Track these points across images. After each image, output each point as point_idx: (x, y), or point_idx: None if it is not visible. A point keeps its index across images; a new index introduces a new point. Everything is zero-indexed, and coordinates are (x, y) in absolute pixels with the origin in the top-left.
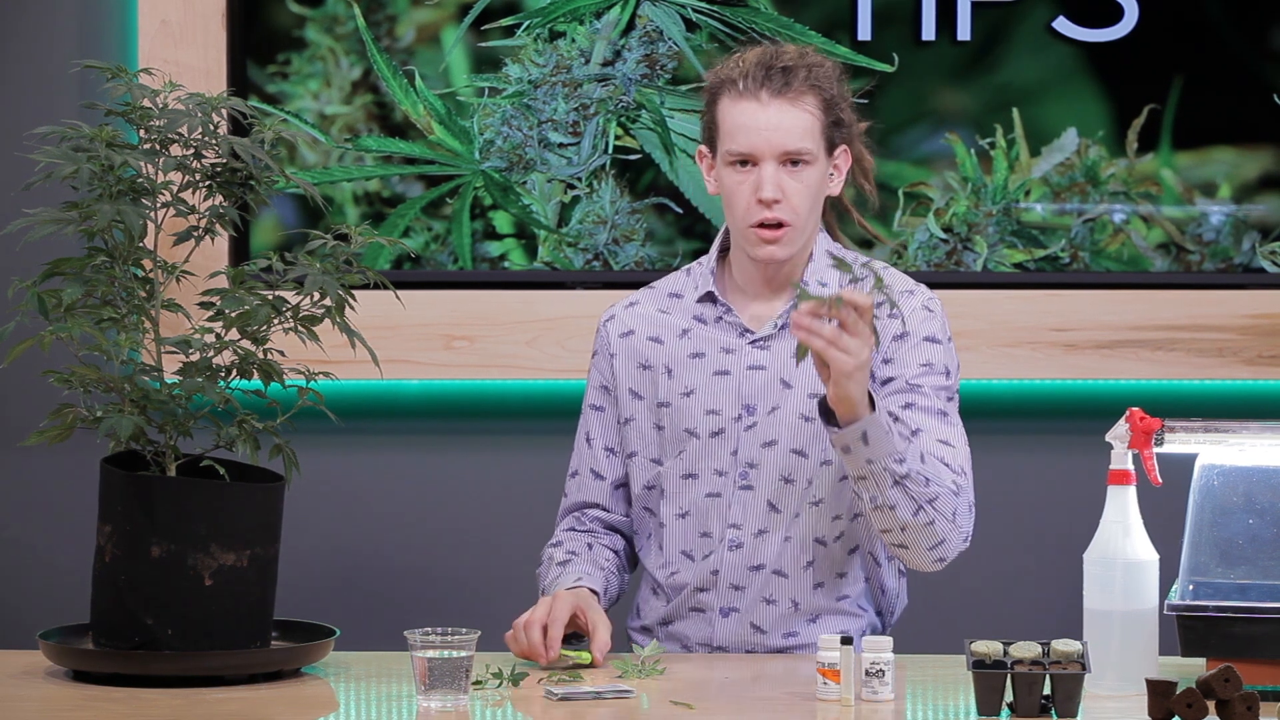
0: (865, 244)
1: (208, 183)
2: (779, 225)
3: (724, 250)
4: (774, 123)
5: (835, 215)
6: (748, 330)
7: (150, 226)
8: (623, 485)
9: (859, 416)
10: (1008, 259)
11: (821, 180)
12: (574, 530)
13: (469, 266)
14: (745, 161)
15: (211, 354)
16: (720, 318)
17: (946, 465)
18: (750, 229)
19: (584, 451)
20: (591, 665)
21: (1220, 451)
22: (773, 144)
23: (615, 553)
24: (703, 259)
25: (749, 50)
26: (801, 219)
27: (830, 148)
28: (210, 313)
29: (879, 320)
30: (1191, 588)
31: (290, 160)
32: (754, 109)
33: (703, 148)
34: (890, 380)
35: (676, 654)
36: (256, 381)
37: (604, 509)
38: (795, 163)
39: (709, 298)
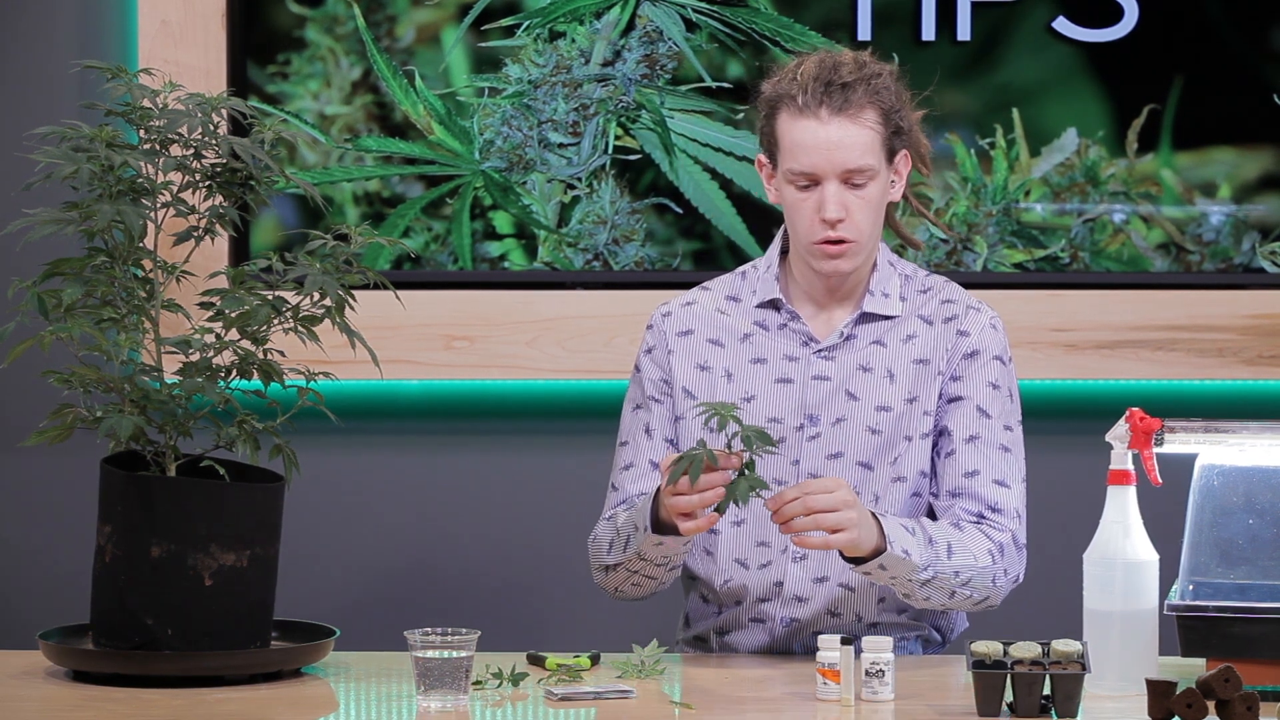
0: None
1: (208, 183)
2: (843, 241)
3: (784, 251)
4: (835, 141)
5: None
6: (812, 339)
7: (150, 226)
8: None
9: (875, 551)
10: (1008, 259)
11: (883, 191)
12: (624, 510)
13: (469, 266)
14: (808, 180)
15: (211, 354)
16: (784, 325)
17: (996, 512)
18: (814, 245)
19: (641, 444)
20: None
21: (1220, 451)
22: (835, 163)
23: None
24: (757, 262)
25: (806, 61)
26: (865, 234)
27: (891, 156)
28: (210, 313)
29: (943, 328)
30: (1191, 588)
31: (290, 160)
32: (814, 127)
33: (761, 157)
34: (958, 399)
35: (677, 654)
36: (256, 381)
37: None
38: (858, 179)
39: (771, 304)
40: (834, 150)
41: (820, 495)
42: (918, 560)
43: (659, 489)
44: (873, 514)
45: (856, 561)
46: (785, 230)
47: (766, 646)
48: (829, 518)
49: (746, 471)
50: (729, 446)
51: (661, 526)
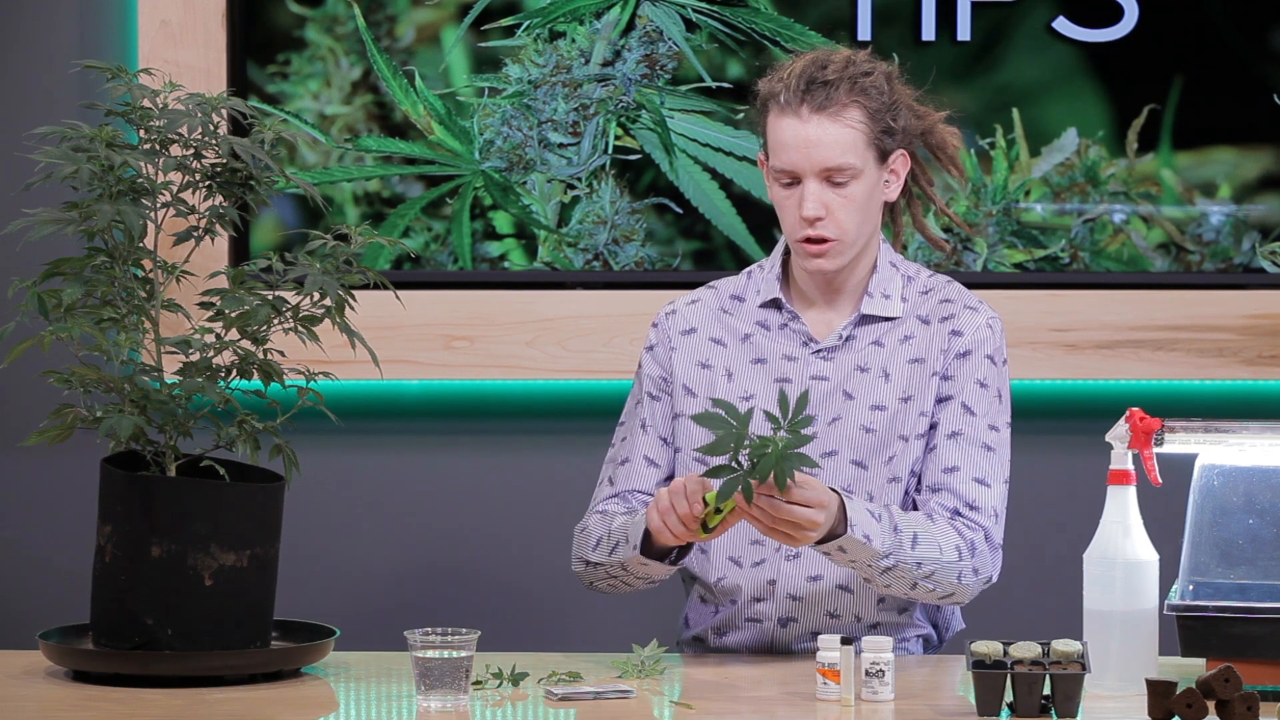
0: (945, 230)
1: (208, 183)
2: (823, 240)
3: (787, 252)
4: (814, 139)
5: (923, 206)
6: (812, 339)
7: (150, 226)
8: (670, 479)
9: (835, 534)
10: (1008, 259)
11: (872, 190)
12: (617, 506)
13: (469, 266)
14: (790, 178)
15: (211, 354)
16: (785, 325)
17: (973, 510)
18: (797, 242)
19: (638, 439)
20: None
21: (1220, 451)
22: (813, 161)
23: None
24: (763, 263)
25: (799, 59)
26: (849, 233)
27: (883, 155)
28: (210, 313)
29: (941, 326)
30: (1191, 588)
31: (290, 160)
32: (794, 125)
33: (761, 155)
34: (947, 399)
35: (677, 654)
36: (256, 381)
37: (652, 496)
38: (839, 178)
39: (774, 304)
40: (813, 148)
41: (801, 510)
42: (879, 547)
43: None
44: (839, 495)
45: (817, 542)
46: None
47: (764, 646)
48: (785, 535)
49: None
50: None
51: (649, 549)
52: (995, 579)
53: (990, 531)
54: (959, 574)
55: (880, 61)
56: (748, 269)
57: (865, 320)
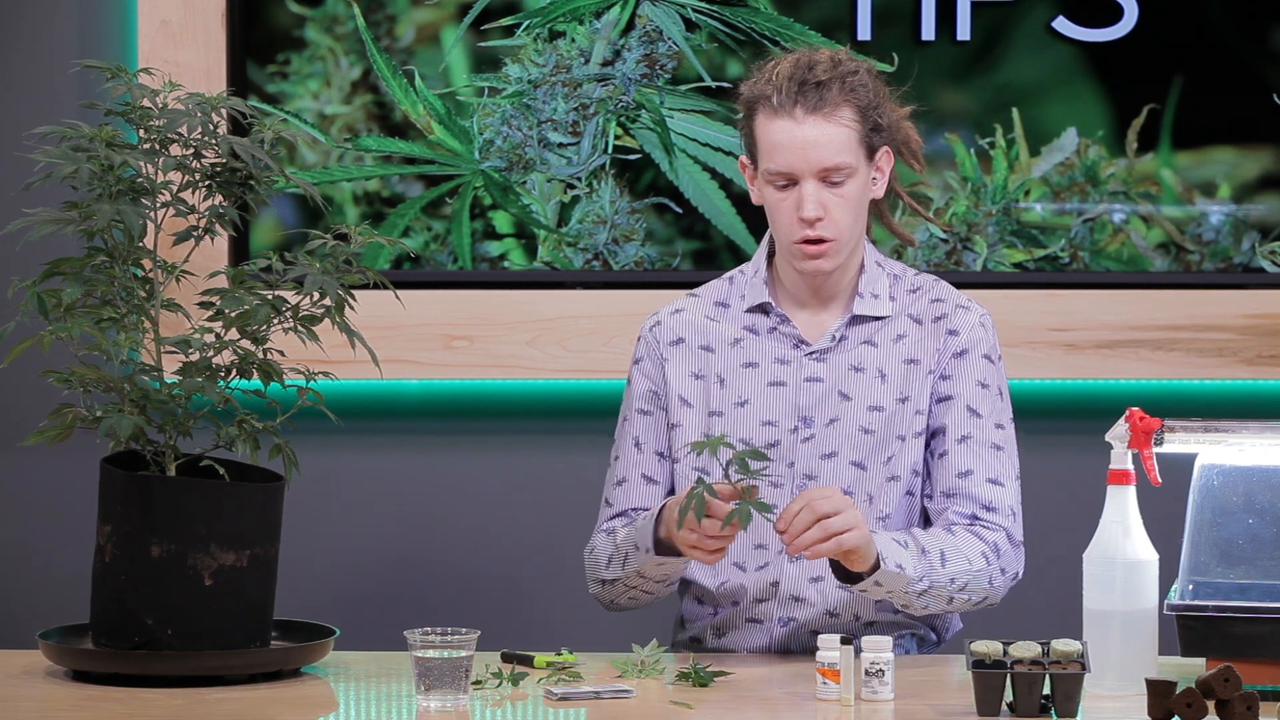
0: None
1: (207, 183)
2: (822, 240)
3: (770, 255)
4: (811, 140)
5: (890, 206)
6: (803, 342)
7: (150, 226)
8: (672, 492)
9: (870, 567)
10: (1008, 259)
11: (863, 188)
12: (621, 524)
13: (469, 266)
14: (786, 179)
15: (211, 354)
16: (774, 328)
17: (991, 511)
18: (795, 244)
19: (633, 457)
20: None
21: (1220, 451)
22: (811, 162)
23: None
24: (745, 267)
25: (782, 60)
26: (845, 232)
27: (871, 153)
28: (210, 312)
29: (934, 326)
30: (1191, 588)
31: (290, 160)
32: (790, 127)
33: (744, 159)
34: (948, 399)
35: (675, 654)
36: (256, 381)
37: None
38: (835, 178)
39: (761, 308)
40: (809, 149)
41: (822, 501)
42: (911, 573)
43: (661, 508)
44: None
45: (851, 580)
46: (771, 237)
47: (764, 646)
48: (836, 521)
49: (744, 497)
50: (726, 473)
51: (663, 547)
52: (1022, 575)
53: (1010, 531)
54: (989, 578)
55: (861, 60)
56: (728, 274)
57: (856, 320)
